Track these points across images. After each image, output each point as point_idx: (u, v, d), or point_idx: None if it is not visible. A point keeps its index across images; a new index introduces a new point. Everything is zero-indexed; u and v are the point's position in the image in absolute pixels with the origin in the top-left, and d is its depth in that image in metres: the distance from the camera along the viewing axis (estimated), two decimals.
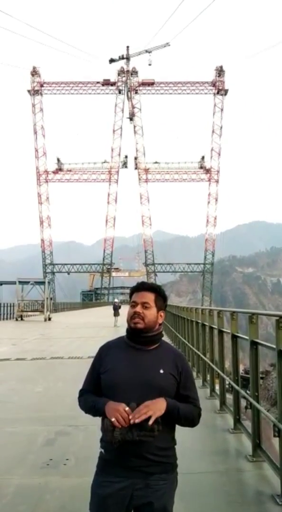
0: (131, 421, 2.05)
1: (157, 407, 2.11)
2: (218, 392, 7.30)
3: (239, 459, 4.90)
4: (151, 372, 2.22)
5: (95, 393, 2.31)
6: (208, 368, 8.56)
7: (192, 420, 2.29)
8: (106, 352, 2.35)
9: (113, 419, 2.06)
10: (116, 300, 30.37)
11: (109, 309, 29.29)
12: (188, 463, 4.62)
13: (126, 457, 2.15)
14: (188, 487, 4.01)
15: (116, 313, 25.23)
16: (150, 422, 2.06)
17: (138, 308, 2.29)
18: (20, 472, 4.54)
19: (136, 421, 2.05)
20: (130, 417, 2.06)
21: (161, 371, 2.23)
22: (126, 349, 2.31)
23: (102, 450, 2.24)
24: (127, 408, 2.07)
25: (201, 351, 9.23)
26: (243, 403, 6.13)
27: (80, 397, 2.37)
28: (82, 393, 2.38)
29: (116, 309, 25.66)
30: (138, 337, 2.29)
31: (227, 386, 7.37)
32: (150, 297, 2.32)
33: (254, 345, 4.96)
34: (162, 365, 2.25)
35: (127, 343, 2.33)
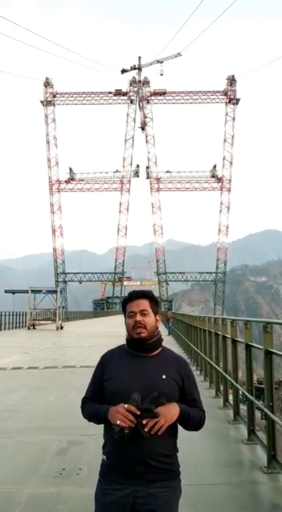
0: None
1: (172, 413, 2.13)
2: (231, 402, 7.22)
3: (253, 471, 4.83)
4: (153, 378, 2.22)
5: (98, 401, 2.31)
6: (221, 378, 8.49)
7: (199, 423, 2.31)
8: (109, 360, 2.37)
9: (118, 422, 2.06)
10: None
11: (121, 318, 29.10)
12: (202, 475, 4.58)
13: (128, 464, 2.15)
14: (202, 499, 3.96)
15: None
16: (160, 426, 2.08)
17: (138, 317, 2.30)
18: (33, 481, 4.52)
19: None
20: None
21: (163, 377, 2.24)
22: (128, 357, 2.32)
23: (104, 457, 2.24)
24: (127, 406, 2.07)
25: (214, 360, 9.17)
26: (257, 414, 6.04)
27: (83, 404, 2.39)
28: (85, 401, 2.39)
29: None
30: (142, 345, 2.30)
31: (240, 397, 7.29)
32: (145, 304, 2.33)
33: (268, 354, 4.91)
34: (164, 371, 2.26)
35: (128, 351, 2.34)
